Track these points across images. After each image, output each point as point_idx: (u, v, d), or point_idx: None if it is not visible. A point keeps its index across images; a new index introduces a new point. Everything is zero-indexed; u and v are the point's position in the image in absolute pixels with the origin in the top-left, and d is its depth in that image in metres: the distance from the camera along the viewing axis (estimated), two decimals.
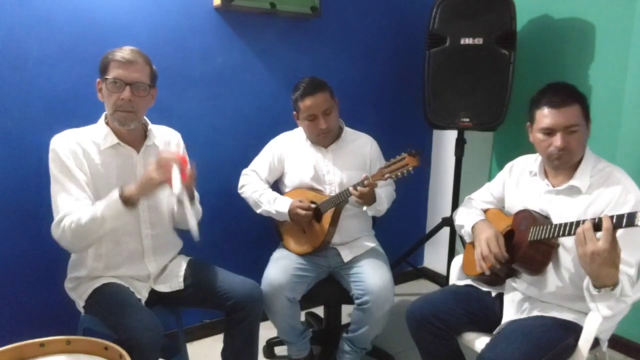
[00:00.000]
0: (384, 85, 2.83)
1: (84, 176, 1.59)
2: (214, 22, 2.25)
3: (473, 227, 1.75)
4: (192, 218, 1.51)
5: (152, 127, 1.76)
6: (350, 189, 1.87)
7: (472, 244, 1.82)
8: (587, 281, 1.41)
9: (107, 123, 1.67)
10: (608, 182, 1.54)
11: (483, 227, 1.70)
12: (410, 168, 1.77)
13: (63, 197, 1.56)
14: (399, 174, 1.80)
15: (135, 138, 1.70)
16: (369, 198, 1.91)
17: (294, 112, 2.08)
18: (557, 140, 1.52)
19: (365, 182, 1.85)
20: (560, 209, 1.59)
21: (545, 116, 1.54)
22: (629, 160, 2.16)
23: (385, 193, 2.07)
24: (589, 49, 2.32)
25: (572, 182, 1.57)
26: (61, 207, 1.56)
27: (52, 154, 1.59)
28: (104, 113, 1.68)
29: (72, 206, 1.55)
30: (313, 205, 1.99)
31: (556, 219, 1.58)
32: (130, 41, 1.85)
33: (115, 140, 1.65)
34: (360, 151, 2.15)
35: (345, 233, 2.11)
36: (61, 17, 1.91)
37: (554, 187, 1.63)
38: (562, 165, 1.58)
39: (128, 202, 1.51)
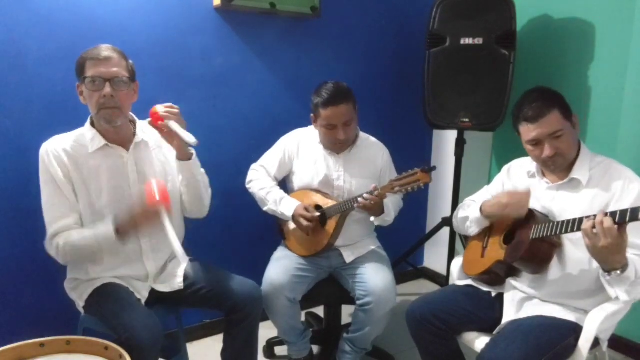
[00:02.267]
0: (384, 85, 2.83)
1: (70, 186, 1.60)
2: (214, 22, 2.24)
3: (482, 207, 1.75)
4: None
5: (140, 123, 1.75)
6: (360, 199, 1.86)
7: (475, 239, 1.83)
8: (601, 270, 1.44)
9: (93, 125, 1.66)
10: (609, 174, 1.55)
11: (492, 200, 1.73)
12: (422, 184, 1.75)
13: (52, 213, 1.59)
14: (409, 188, 1.77)
15: (124, 137, 1.68)
16: (376, 209, 1.91)
17: (312, 115, 2.03)
18: (546, 149, 1.54)
19: (375, 192, 1.83)
20: (564, 204, 1.60)
21: (527, 131, 1.56)
22: (629, 160, 2.15)
23: (393, 203, 2.04)
24: (589, 49, 2.32)
25: (572, 175, 1.58)
26: (51, 223, 1.58)
27: (41, 163, 1.60)
28: (90, 116, 1.67)
29: (61, 223, 1.57)
30: (317, 214, 1.97)
31: (561, 215, 1.57)
32: (130, 41, 1.86)
33: (102, 141, 1.63)
34: (372, 160, 2.12)
35: (348, 236, 2.09)
36: (61, 17, 1.91)
37: (553, 183, 1.64)
38: (558, 168, 1.60)
39: (123, 236, 1.54)
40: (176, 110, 1.63)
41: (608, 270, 1.38)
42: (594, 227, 1.33)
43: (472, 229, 1.83)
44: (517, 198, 1.63)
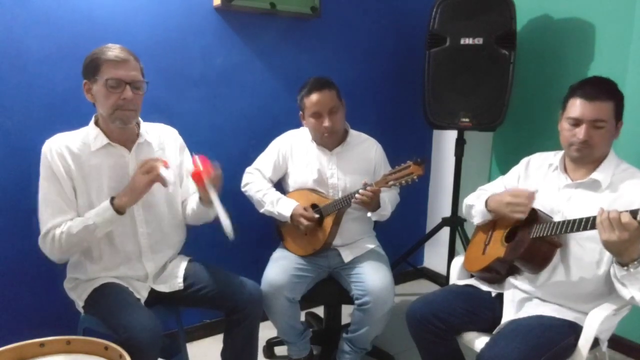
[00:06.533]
0: (384, 85, 2.83)
1: (70, 183, 1.60)
2: (214, 22, 2.25)
3: (487, 200, 1.76)
4: (224, 216, 1.58)
5: (144, 124, 1.75)
6: (357, 195, 1.86)
7: (480, 232, 1.83)
8: (612, 269, 1.41)
9: (96, 124, 1.67)
10: (632, 181, 1.53)
11: (497, 196, 1.73)
12: (415, 177, 1.76)
13: (49, 209, 1.58)
14: (403, 182, 1.79)
15: (127, 137, 1.69)
16: (373, 204, 1.91)
17: (300, 112, 2.07)
18: (581, 132, 1.52)
19: (369, 188, 1.84)
20: (580, 204, 1.58)
21: (575, 106, 1.54)
22: (629, 161, 2.16)
23: (389, 197, 2.06)
24: (589, 49, 2.32)
25: (593, 176, 1.56)
26: (47, 219, 1.58)
27: (43, 159, 1.60)
28: (94, 114, 1.68)
29: (58, 219, 1.57)
30: (317, 216, 1.98)
31: (572, 216, 1.53)
32: (131, 41, 1.85)
33: (105, 140, 1.64)
34: (365, 155, 2.14)
35: (347, 235, 2.10)
36: (61, 17, 1.91)
37: (573, 181, 1.62)
38: (581, 158, 1.57)
39: (120, 210, 1.57)
40: (218, 178, 1.65)
41: (626, 264, 1.35)
42: (609, 220, 1.30)
43: (476, 219, 1.84)
44: (519, 199, 1.62)
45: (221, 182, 1.67)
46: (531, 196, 1.61)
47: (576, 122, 1.54)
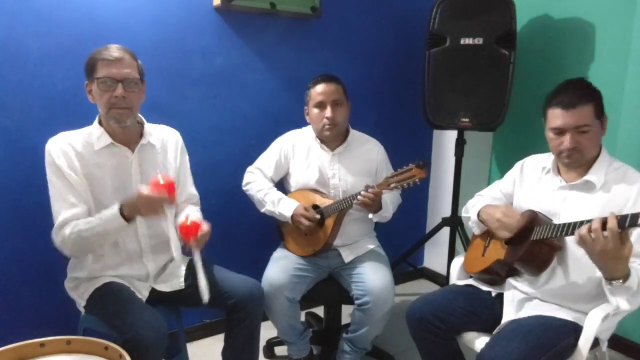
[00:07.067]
0: (384, 85, 2.83)
1: (77, 178, 1.60)
2: (214, 22, 2.25)
3: (479, 213, 1.77)
4: (203, 280, 1.54)
5: (148, 126, 1.76)
6: (359, 197, 1.86)
7: (479, 236, 1.83)
8: (603, 279, 1.42)
9: (100, 124, 1.67)
10: (625, 180, 1.53)
11: (490, 208, 1.74)
12: (417, 179, 1.76)
13: (59, 203, 1.58)
14: (405, 184, 1.79)
15: (131, 137, 1.69)
16: (374, 206, 1.91)
17: (305, 108, 2.09)
18: (567, 141, 1.52)
19: (370, 190, 1.85)
20: (575, 206, 1.58)
21: (555, 116, 1.54)
22: (628, 160, 2.15)
23: (391, 198, 2.06)
24: (589, 49, 2.32)
25: (587, 177, 1.57)
26: (58, 213, 1.58)
27: (47, 158, 1.60)
28: (98, 115, 1.68)
29: (69, 213, 1.57)
30: (317, 217, 1.98)
31: (569, 217, 1.54)
32: (130, 41, 1.86)
33: (109, 140, 1.64)
34: (366, 157, 2.14)
35: (347, 235, 2.10)
36: (61, 17, 1.91)
37: (567, 182, 1.62)
38: (573, 163, 1.57)
39: (129, 218, 1.54)
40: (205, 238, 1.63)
41: (610, 279, 1.37)
42: (590, 231, 1.31)
43: (474, 229, 1.85)
44: (508, 220, 1.64)
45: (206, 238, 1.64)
46: (519, 220, 1.62)
47: (560, 132, 1.54)
